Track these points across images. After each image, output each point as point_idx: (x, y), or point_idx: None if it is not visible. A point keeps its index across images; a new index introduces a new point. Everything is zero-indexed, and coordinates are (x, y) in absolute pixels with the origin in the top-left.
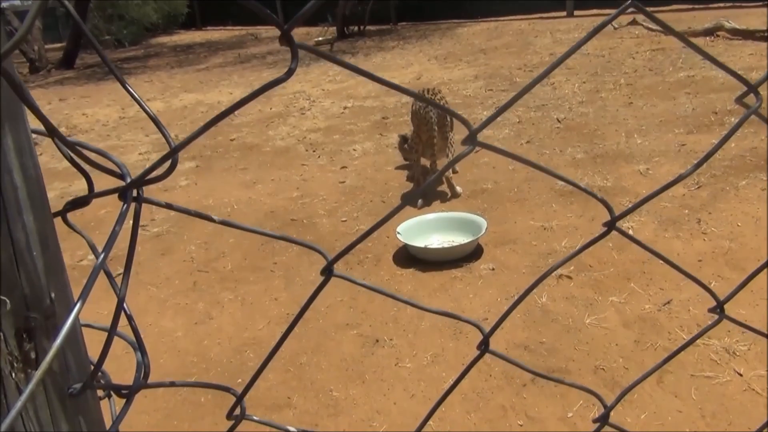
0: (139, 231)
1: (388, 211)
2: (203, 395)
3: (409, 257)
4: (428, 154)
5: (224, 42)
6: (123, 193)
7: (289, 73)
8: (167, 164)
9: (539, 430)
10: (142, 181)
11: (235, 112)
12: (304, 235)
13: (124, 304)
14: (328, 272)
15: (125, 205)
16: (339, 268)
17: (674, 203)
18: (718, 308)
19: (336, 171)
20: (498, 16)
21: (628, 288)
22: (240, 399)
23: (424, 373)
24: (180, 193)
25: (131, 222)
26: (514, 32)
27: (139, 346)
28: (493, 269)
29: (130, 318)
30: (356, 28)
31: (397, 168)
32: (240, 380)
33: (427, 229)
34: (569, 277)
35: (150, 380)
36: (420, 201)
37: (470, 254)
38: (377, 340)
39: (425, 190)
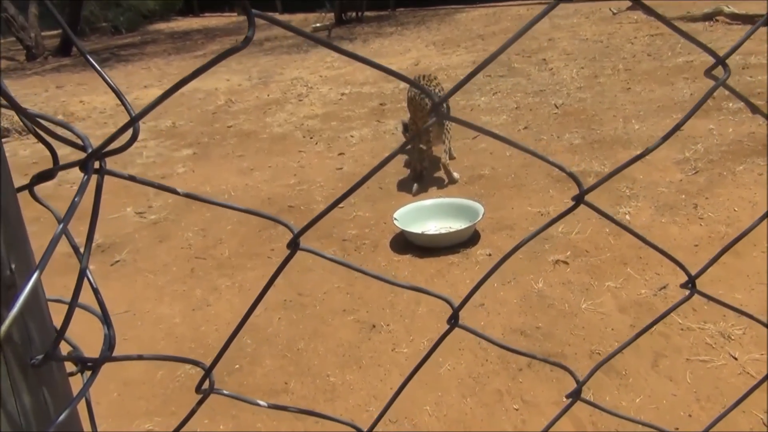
0: (137, 218)
1: (384, 197)
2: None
3: (406, 243)
4: (424, 140)
5: (222, 28)
6: (84, 165)
7: (246, 41)
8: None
9: (535, 414)
10: (102, 152)
11: (233, 99)
12: (301, 222)
13: (88, 274)
14: (294, 245)
15: (86, 177)
16: (336, 253)
17: (671, 189)
18: (690, 283)
19: (333, 157)
20: (496, 1)
21: (625, 273)
22: (208, 372)
23: (421, 357)
24: (177, 180)
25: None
26: (512, 17)
27: (104, 318)
28: (489, 255)
29: (96, 291)
30: (354, 14)
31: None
32: (237, 366)
33: (425, 215)
34: (566, 263)
35: (146, 366)
36: (416, 187)
37: (467, 240)
38: (374, 326)
39: (424, 178)
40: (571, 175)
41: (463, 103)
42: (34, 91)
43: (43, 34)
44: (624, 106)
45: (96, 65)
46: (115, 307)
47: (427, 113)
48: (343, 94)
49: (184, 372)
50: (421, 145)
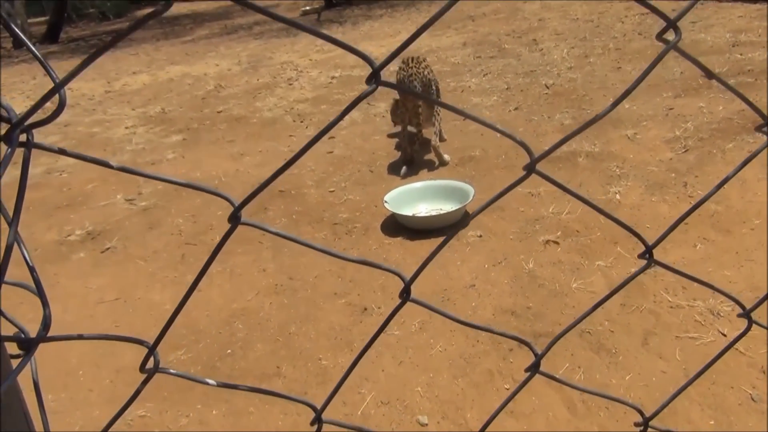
0: (127, 205)
1: (376, 180)
2: (192, 366)
3: (397, 226)
4: (414, 123)
5: (210, 13)
6: (8, 136)
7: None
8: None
9: (525, 393)
10: (25, 122)
11: (222, 84)
12: (291, 206)
13: (24, 250)
14: (235, 219)
15: (9, 150)
16: (327, 237)
17: (661, 167)
18: (647, 254)
19: (324, 141)
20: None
21: (615, 252)
22: (152, 350)
23: (412, 340)
24: (167, 167)
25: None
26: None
27: (41, 298)
28: (480, 236)
29: (32, 270)
30: None
31: (385, 137)
32: (229, 351)
33: (415, 198)
34: (556, 243)
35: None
36: (404, 170)
37: (458, 221)
38: (365, 309)
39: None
40: (522, 144)
41: (454, 85)
42: (22, 79)
43: (29, 21)
44: (614, 85)
45: (35, 51)
46: (106, 295)
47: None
48: (333, 78)
49: (176, 358)
50: (411, 128)
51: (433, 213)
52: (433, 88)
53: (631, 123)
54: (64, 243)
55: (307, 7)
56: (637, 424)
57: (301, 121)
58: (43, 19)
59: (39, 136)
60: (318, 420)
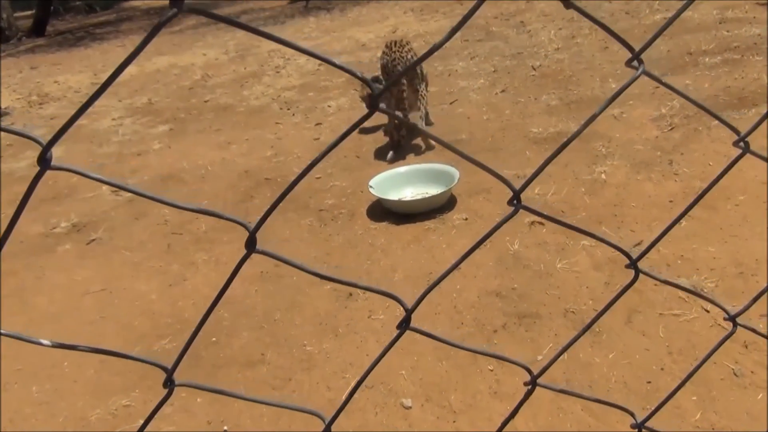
0: (113, 196)
1: (362, 166)
2: (176, 355)
3: (383, 211)
4: (400, 108)
5: (198, 3)
6: (42, 159)
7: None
8: None
9: (509, 374)
10: (52, 145)
11: (209, 74)
12: (278, 194)
13: None
14: (251, 245)
15: (41, 170)
16: (313, 224)
17: (647, 146)
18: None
19: (311, 128)
20: None
21: (600, 231)
22: (170, 375)
23: (396, 323)
24: (153, 157)
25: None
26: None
27: None
28: (466, 219)
29: None
30: None
31: (372, 123)
32: (214, 339)
33: (400, 182)
34: (541, 224)
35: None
36: (391, 155)
37: (444, 205)
38: (350, 294)
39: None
40: (503, 180)
41: (441, 69)
42: (9, 73)
43: (15, 14)
44: (601, 65)
45: None
46: (91, 286)
47: (400, 81)
48: (320, 65)
49: (161, 347)
50: (397, 112)
51: (419, 197)
52: (419, 71)
53: (617, 102)
54: (49, 235)
55: None
56: (633, 426)
57: (288, 109)
58: (29, 12)
59: (23, 127)
60: None
